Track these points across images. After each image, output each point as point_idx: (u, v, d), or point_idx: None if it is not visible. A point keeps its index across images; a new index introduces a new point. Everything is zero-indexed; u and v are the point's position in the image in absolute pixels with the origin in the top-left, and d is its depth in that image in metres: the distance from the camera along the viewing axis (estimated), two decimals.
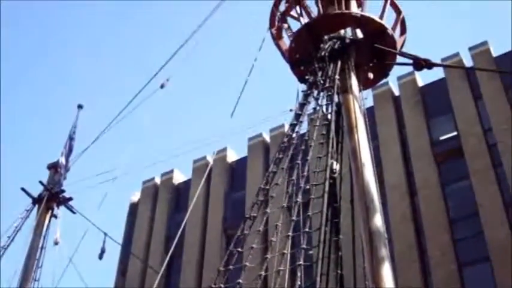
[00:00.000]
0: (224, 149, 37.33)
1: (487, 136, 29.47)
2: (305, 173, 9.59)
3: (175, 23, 77.15)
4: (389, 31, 12.33)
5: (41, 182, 19.65)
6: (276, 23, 13.27)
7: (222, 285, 8.71)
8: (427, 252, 27.32)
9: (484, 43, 32.29)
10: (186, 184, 38.29)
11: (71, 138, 20.78)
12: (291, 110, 11.44)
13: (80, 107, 21.69)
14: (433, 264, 26.75)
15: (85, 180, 20.04)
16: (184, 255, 34.31)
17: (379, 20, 12.37)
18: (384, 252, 9.52)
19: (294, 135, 10.56)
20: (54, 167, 20.21)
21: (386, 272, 9.28)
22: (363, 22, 12.29)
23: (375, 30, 12.26)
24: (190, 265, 33.90)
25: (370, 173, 10.57)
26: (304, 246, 8.58)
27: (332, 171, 10.01)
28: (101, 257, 19.05)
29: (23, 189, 19.50)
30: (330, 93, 10.98)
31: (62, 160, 20.25)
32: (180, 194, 38.57)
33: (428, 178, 29.37)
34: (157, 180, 40.08)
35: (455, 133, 30.70)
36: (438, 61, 27.15)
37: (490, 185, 27.60)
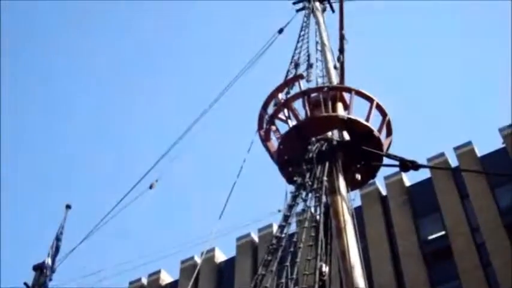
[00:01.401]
0: (212, 249, 36.97)
1: (474, 235, 29.46)
2: (294, 276, 9.52)
3: (165, 122, 78.07)
4: (376, 133, 12.55)
5: (25, 284, 19.29)
6: (265, 125, 13.52)
7: None
8: None
9: (469, 143, 32.82)
10: (173, 285, 37.64)
11: (57, 239, 20.57)
12: (279, 211, 11.49)
13: (68, 207, 21.59)
14: None
15: (72, 282, 19.71)
16: None
17: (365, 123, 12.61)
18: None
19: (283, 235, 10.54)
20: (39, 268, 19.89)
21: None
22: (350, 124, 12.52)
23: (361, 132, 12.48)
24: None
25: (360, 274, 10.52)
26: None
27: (321, 273, 9.95)
28: None
29: None
30: (318, 194, 11.07)
31: (48, 261, 19.97)
32: None
33: (418, 278, 29.11)
34: (144, 281, 39.39)
35: (443, 232, 30.68)
36: (424, 161, 27.44)
37: (479, 285, 27.35)
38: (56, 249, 20.52)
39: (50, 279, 19.96)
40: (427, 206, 31.89)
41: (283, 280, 9.47)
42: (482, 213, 29.62)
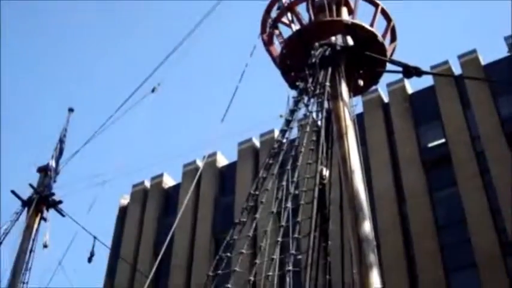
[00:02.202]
0: (214, 154, 37.35)
1: (475, 143, 29.65)
2: (295, 179, 9.65)
3: (167, 27, 77.11)
4: (380, 38, 12.44)
5: (31, 185, 19.65)
6: (268, 29, 13.36)
7: None
8: (414, 258, 27.46)
9: (473, 51, 32.51)
10: (176, 188, 38.27)
11: (61, 141, 20.79)
12: (281, 116, 11.52)
13: (70, 110, 21.72)
14: (420, 270, 26.89)
15: (75, 184, 20.04)
16: (173, 260, 34.28)
17: (369, 28, 12.47)
18: (373, 258, 9.60)
19: (284, 140, 10.62)
20: (44, 170, 20.20)
21: (375, 277, 9.36)
22: (354, 29, 12.39)
23: (365, 37, 12.36)
24: (179, 269, 33.87)
25: (360, 179, 10.66)
26: (293, 251, 8.64)
27: (322, 177, 10.08)
28: (90, 260, 19.04)
29: (13, 191, 19.48)
30: (320, 99, 11.06)
31: (52, 163, 20.25)
32: (169, 198, 38.55)
33: (417, 185, 29.53)
34: (147, 184, 40.04)
35: (443, 140, 30.87)
36: (427, 69, 27.33)
37: (477, 192, 27.78)
38: (60, 152, 20.78)
39: (54, 181, 20.31)
40: (428, 113, 31.95)
41: (284, 183, 9.61)
42: (484, 121, 29.71)
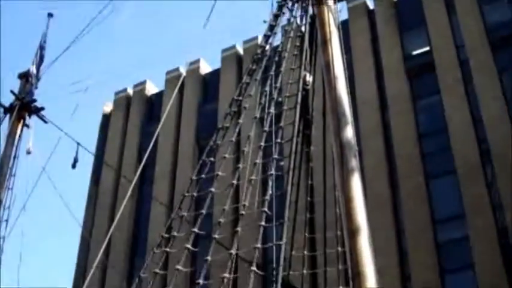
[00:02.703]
0: (197, 61, 37.06)
1: (459, 52, 29.57)
2: (278, 84, 9.64)
3: None
4: None
5: (12, 92, 19.46)
6: None
7: (195, 194, 8.88)
8: (396, 165, 27.89)
9: None
10: (159, 96, 38.16)
11: (41, 47, 20.44)
12: (264, 22, 11.37)
13: (50, 15, 21.24)
14: (401, 176, 27.36)
15: (57, 91, 19.90)
16: (157, 166, 34.60)
17: None
18: (354, 163, 9.71)
19: (268, 46, 10.53)
20: (25, 76, 19.96)
21: (356, 182, 9.49)
22: None
23: None
24: (163, 175, 34.25)
25: (343, 86, 10.63)
26: (275, 156, 8.73)
27: (305, 83, 10.07)
28: (74, 166, 19.12)
29: None
30: (304, 4, 10.91)
31: (33, 69, 19.99)
32: (152, 105, 38.49)
33: (400, 92, 29.61)
34: (130, 92, 39.87)
35: (428, 48, 30.75)
36: None
37: (460, 101, 27.94)
38: (41, 58, 20.47)
39: (36, 87, 20.10)
40: (413, 21, 31.65)
41: (267, 88, 9.61)
42: (469, 29, 29.52)
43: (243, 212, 7.92)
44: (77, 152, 19.10)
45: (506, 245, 23.89)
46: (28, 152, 19.15)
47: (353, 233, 8.77)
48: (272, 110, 9.37)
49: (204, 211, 8.34)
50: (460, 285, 24.10)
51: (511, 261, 23.33)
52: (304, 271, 11.65)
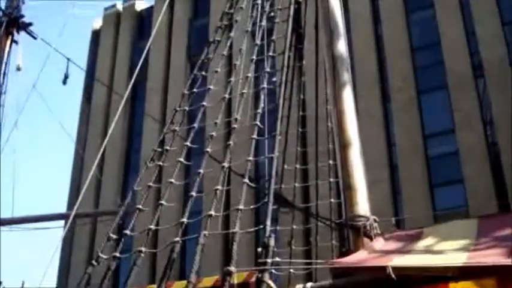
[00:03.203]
0: None
1: None
2: None
3: None
4: None
5: None
6: None
7: (187, 108, 8.87)
8: (388, 79, 27.83)
9: None
10: (149, 11, 37.55)
11: None
12: None
13: None
14: (393, 90, 27.35)
15: (45, 6, 19.53)
16: (149, 82, 34.43)
17: None
18: (346, 76, 9.69)
19: None
20: None
21: (348, 96, 9.50)
22: None
23: None
24: (155, 91, 34.13)
25: None
26: (267, 70, 8.67)
27: None
28: (64, 82, 19.05)
29: None
30: None
31: None
32: (143, 21, 37.94)
33: (393, 6, 29.20)
34: (119, 7, 39.20)
35: None
36: None
37: (453, 15, 27.62)
38: None
39: (23, 3, 19.75)
40: None
41: (259, 1, 9.45)
42: None
43: (235, 126, 7.93)
44: (67, 68, 18.99)
45: (495, 160, 24.18)
46: (18, 69, 19.02)
47: (344, 146, 8.85)
48: (264, 23, 9.24)
49: (196, 125, 8.35)
50: (449, 199, 24.50)
51: (500, 175, 23.66)
52: (296, 184, 11.82)
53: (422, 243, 7.38)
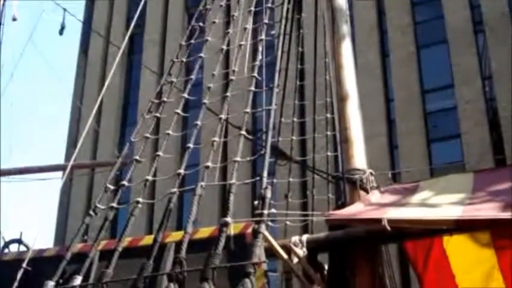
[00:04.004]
0: None
1: None
2: None
3: None
4: None
5: None
6: None
7: (184, 59, 8.80)
8: (387, 34, 27.64)
9: None
10: None
11: None
12: None
13: None
14: (392, 45, 27.19)
15: None
16: (146, 34, 34.16)
17: None
18: (345, 29, 9.59)
19: None
20: None
21: (347, 49, 9.42)
22: None
23: None
24: (152, 43, 33.89)
25: None
26: (266, 21, 8.57)
27: None
28: (61, 32, 18.87)
29: None
30: None
31: None
32: None
33: None
34: None
35: None
36: None
37: None
38: None
39: None
40: None
41: None
42: None
43: (233, 78, 7.88)
44: (63, 19, 18.79)
45: (493, 116, 24.19)
46: (14, 19, 18.81)
47: (342, 99, 8.82)
48: None
49: (193, 77, 8.29)
50: (446, 154, 24.59)
51: (497, 131, 23.70)
52: (294, 137, 11.82)
53: (418, 197, 7.42)
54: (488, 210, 6.43)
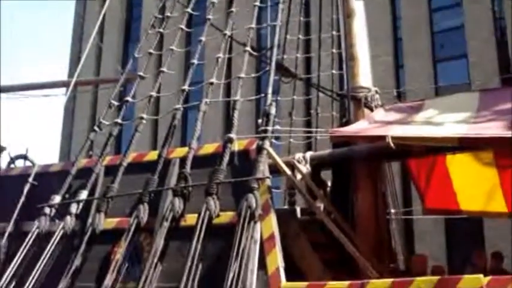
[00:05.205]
0: None
1: None
2: None
3: None
4: None
5: None
6: None
7: None
8: None
9: None
10: None
11: None
12: None
13: None
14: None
15: None
16: None
17: None
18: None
19: None
20: None
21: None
22: None
23: None
24: None
25: None
26: None
27: None
28: None
29: None
30: None
31: None
32: None
33: None
34: None
35: None
36: None
37: None
38: None
39: None
40: None
41: None
42: None
43: None
44: None
45: (501, 35, 23.85)
46: None
47: (349, 15, 8.66)
48: None
49: None
50: (452, 74, 24.37)
51: (505, 51, 23.42)
52: (299, 55, 11.71)
53: (422, 115, 7.38)
54: (493, 129, 6.40)
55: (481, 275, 4.74)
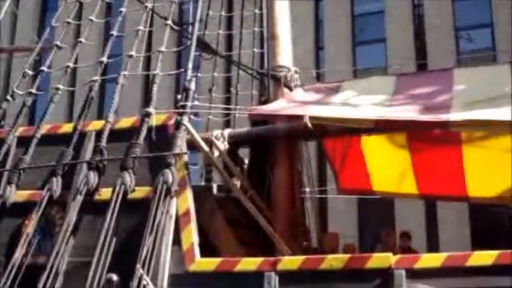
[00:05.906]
0: None
1: None
2: None
3: None
4: None
5: None
6: None
7: None
8: None
9: None
10: None
11: None
12: None
13: None
14: None
15: None
16: None
17: None
18: None
19: None
20: None
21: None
22: None
23: None
24: None
25: None
26: None
27: None
28: None
29: None
30: None
31: None
32: None
33: None
34: None
35: None
36: None
37: None
38: None
39: None
40: None
41: None
42: None
43: None
44: None
45: (419, 22, 24.45)
46: None
47: None
48: None
49: None
50: (370, 58, 24.82)
51: (422, 37, 24.03)
52: (220, 31, 11.66)
53: (340, 96, 7.51)
54: (408, 112, 6.59)
55: (391, 254, 4.90)
